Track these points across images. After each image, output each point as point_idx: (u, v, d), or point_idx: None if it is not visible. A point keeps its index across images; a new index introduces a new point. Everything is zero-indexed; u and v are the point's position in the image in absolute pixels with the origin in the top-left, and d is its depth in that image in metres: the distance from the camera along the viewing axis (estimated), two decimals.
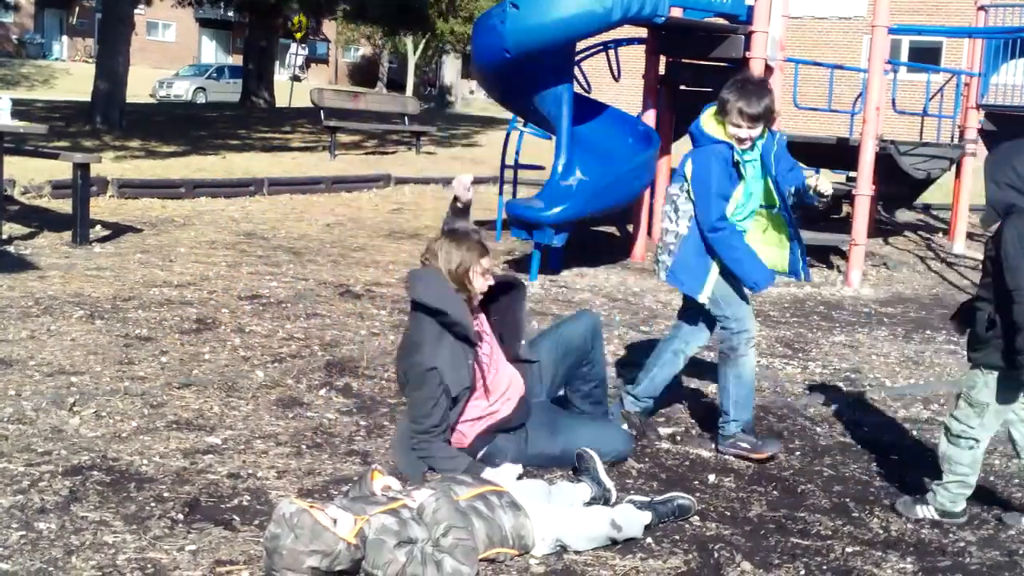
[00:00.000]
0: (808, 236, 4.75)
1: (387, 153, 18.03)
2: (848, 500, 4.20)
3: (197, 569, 3.25)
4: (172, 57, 51.79)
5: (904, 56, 23.63)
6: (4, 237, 8.27)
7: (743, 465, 4.51)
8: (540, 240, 8.23)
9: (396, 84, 51.94)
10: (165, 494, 3.77)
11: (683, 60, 10.10)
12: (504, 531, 3.43)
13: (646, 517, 3.71)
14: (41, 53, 49.16)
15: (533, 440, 4.24)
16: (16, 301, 6.46)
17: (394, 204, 12.52)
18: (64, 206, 9.47)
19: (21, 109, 14.81)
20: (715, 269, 4.51)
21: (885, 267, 10.29)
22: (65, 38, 53.09)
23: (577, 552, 3.52)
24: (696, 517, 3.88)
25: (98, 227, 9.09)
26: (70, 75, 39.42)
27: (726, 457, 4.60)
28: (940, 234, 12.59)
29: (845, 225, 10.08)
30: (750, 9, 8.96)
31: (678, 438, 4.84)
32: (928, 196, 13.43)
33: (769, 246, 4.71)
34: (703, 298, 4.53)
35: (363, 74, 58.80)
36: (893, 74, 12.10)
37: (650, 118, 9.65)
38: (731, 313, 4.55)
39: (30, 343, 5.61)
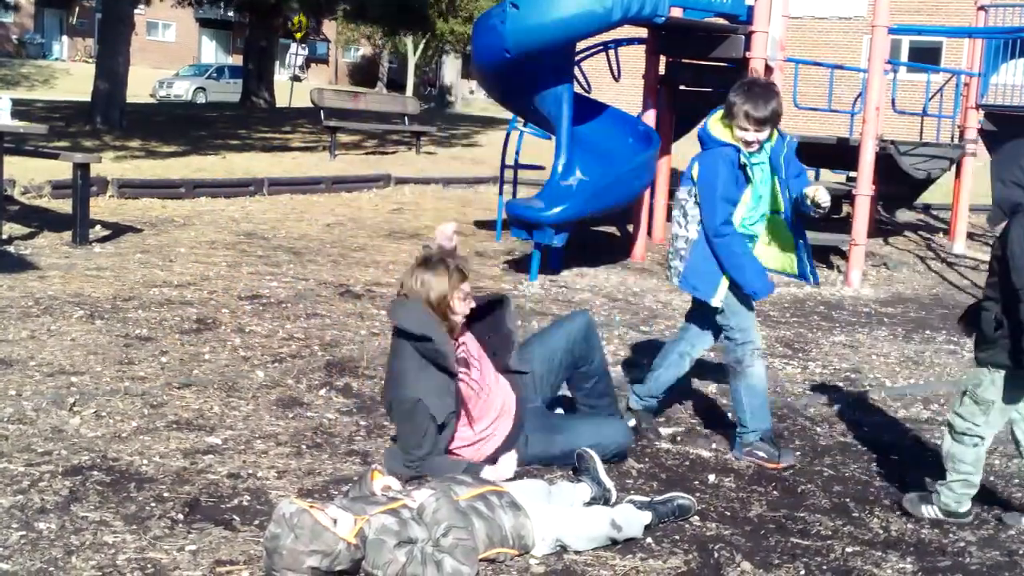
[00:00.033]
0: (808, 236, 4.74)
1: (387, 153, 18.01)
2: (848, 500, 4.21)
3: (197, 569, 3.25)
4: (172, 57, 51.79)
5: (904, 56, 23.64)
6: (4, 237, 8.27)
7: (743, 465, 4.51)
8: (540, 240, 8.23)
9: (396, 84, 51.92)
10: (165, 494, 3.78)
11: (683, 60, 10.11)
12: (504, 531, 3.43)
13: (646, 517, 3.72)
14: (41, 53, 49.15)
15: (533, 443, 4.24)
16: (16, 301, 6.46)
17: (394, 204, 12.51)
18: (64, 206, 9.46)
19: (21, 109, 14.80)
20: None
21: (885, 267, 10.28)
22: (65, 38, 53.09)
23: (577, 552, 3.52)
24: (696, 517, 3.89)
25: (98, 227, 9.08)
26: (70, 75, 39.41)
27: (726, 457, 4.60)
28: (940, 234, 12.59)
29: (845, 225, 10.07)
30: (750, 9, 8.97)
31: (678, 438, 4.84)
32: (928, 196, 13.42)
33: (777, 249, 4.70)
34: (717, 302, 4.49)
35: (363, 74, 58.80)
36: (893, 74, 12.09)
37: (650, 118, 9.66)
38: (736, 323, 4.52)
39: (30, 343, 5.61)
